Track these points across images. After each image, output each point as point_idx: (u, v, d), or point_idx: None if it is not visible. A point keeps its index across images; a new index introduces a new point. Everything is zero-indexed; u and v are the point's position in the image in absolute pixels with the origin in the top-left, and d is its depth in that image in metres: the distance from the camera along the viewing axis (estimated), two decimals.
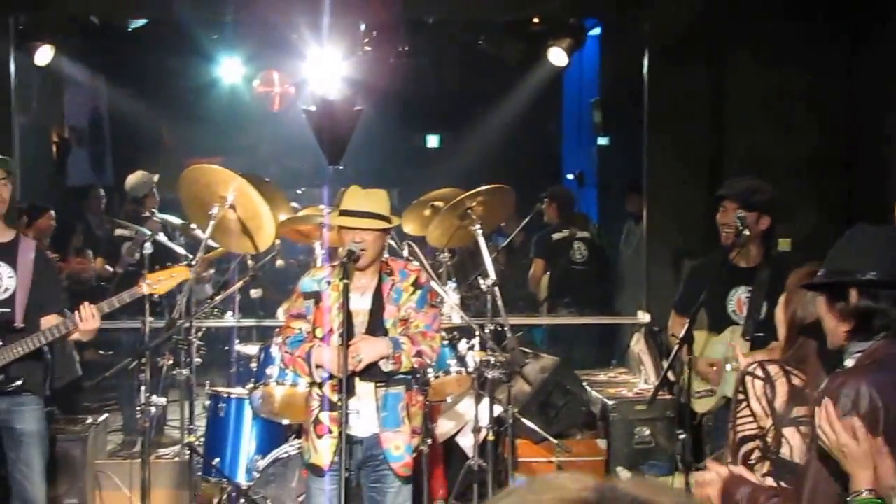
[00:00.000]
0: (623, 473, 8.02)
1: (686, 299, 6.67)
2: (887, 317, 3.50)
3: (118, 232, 9.67)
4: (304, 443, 5.81)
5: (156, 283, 6.33)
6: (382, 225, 5.66)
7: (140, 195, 10.02)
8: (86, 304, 6.23)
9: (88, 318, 6.19)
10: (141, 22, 10.19)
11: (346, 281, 5.42)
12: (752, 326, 6.12)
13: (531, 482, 1.86)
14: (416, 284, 5.76)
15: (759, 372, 4.03)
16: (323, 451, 5.64)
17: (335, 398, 5.53)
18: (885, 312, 3.50)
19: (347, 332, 5.42)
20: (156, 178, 10.14)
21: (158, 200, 10.08)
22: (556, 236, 10.67)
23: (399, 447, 5.67)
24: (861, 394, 3.32)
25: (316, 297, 5.73)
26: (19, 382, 6.24)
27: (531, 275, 10.75)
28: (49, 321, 6.38)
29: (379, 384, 5.65)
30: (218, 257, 9.16)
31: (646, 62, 9.15)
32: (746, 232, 6.11)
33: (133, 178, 10.16)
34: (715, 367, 6.40)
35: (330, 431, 5.62)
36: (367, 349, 5.49)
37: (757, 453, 3.99)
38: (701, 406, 6.60)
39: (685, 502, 1.72)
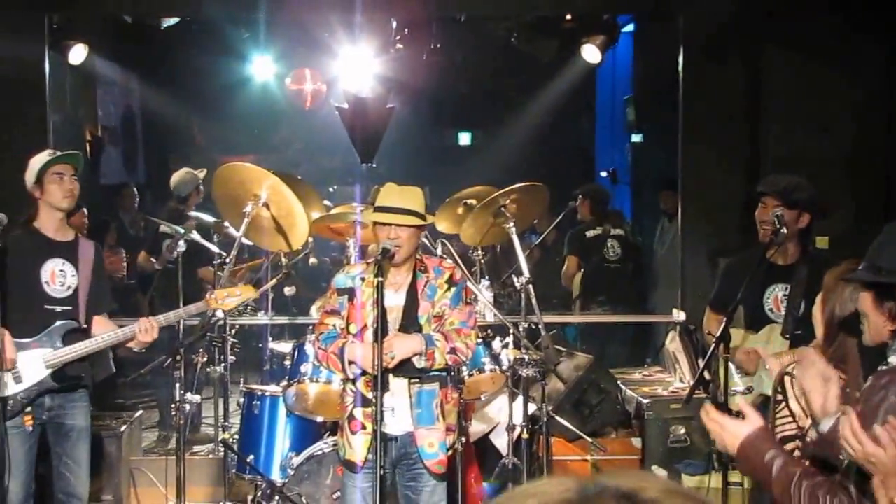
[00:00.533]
0: (658, 472, 7.97)
1: (722, 297, 6.62)
2: None
3: (162, 229, 9.70)
4: (339, 439, 5.80)
5: (222, 300, 6.33)
6: (417, 222, 5.64)
7: (184, 193, 10.07)
8: (146, 318, 6.28)
9: (147, 331, 6.22)
10: (173, 20, 10.20)
11: (380, 279, 5.41)
12: (792, 324, 6.06)
13: (510, 492, 1.83)
14: (451, 282, 5.74)
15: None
16: (357, 447, 5.63)
17: (369, 394, 5.52)
18: None
19: (381, 329, 5.41)
20: (202, 174, 10.16)
21: (202, 197, 10.10)
22: (589, 234, 10.63)
23: (433, 444, 5.65)
24: None
25: (350, 293, 5.72)
26: (75, 382, 6.29)
27: (564, 272, 10.71)
28: (99, 322, 6.45)
29: (413, 381, 5.63)
30: (256, 267, 9.20)
31: (681, 58, 9.09)
32: (784, 230, 6.05)
33: (178, 176, 10.20)
34: (751, 355, 6.31)
35: (364, 427, 5.61)
36: (400, 346, 5.48)
37: (797, 453, 3.94)
38: (735, 405, 6.54)
39: (672, 489, 1.68)
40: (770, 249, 6.18)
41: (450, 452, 5.79)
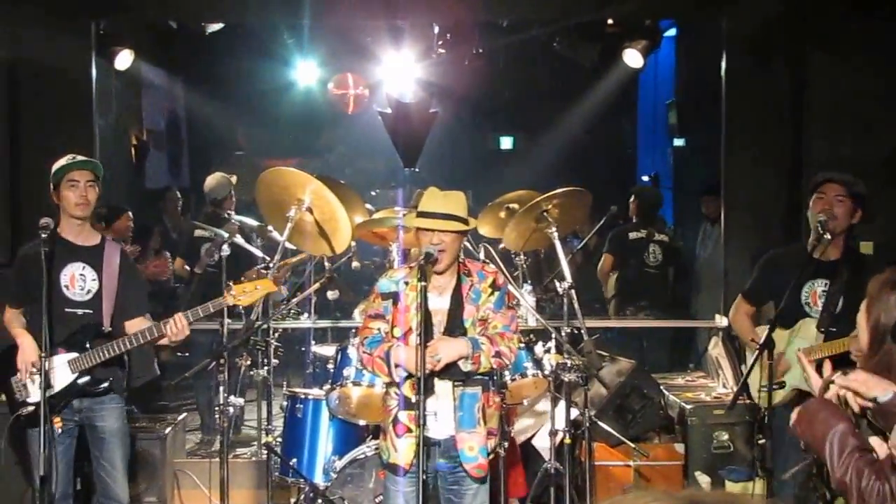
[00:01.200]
0: (701, 478, 7.95)
1: (757, 288, 6.72)
2: None
3: (197, 233, 9.76)
4: (383, 442, 5.80)
5: (241, 295, 6.34)
6: (460, 227, 5.65)
7: (219, 197, 10.12)
8: (178, 315, 6.29)
9: (179, 329, 6.26)
10: (217, 26, 10.26)
11: (423, 283, 5.43)
12: (828, 320, 6.03)
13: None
14: (495, 286, 5.74)
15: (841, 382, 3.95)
16: (402, 450, 5.63)
17: (413, 398, 5.54)
18: None
19: (425, 333, 5.42)
20: (234, 179, 10.22)
21: (234, 202, 10.16)
22: (632, 235, 10.61)
23: (473, 448, 5.65)
24: None
25: (394, 297, 5.73)
26: (105, 385, 6.33)
27: (599, 268, 10.69)
28: (133, 325, 6.48)
29: (457, 383, 5.64)
30: (299, 263, 9.22)
31: (724, 62, 9.06)
32: (828, 236, 6.03)
33: (211, 181, 10.26)
34: (780, 363, 6.32)
35: (409, 430, 5.61)
36: (446, 349, 5.49)
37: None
38: (764, 400, 6.54)
39: None
40: (816, 248, 6.16)
41: (491, 456, 5.79)
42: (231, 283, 6.45)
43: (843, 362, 5.87)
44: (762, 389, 6.45)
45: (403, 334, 5.66)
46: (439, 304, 5.68)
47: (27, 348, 6.20)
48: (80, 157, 6.44)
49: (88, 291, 6.39)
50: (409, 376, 5.59)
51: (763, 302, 6.84)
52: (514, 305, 6.11)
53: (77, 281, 6.37)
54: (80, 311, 6.35)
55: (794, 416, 3.84)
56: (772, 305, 6.70)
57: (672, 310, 10.71)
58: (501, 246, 7.93)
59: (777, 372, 6.34)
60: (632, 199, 10.71)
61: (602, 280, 10.75)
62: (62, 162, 6.36)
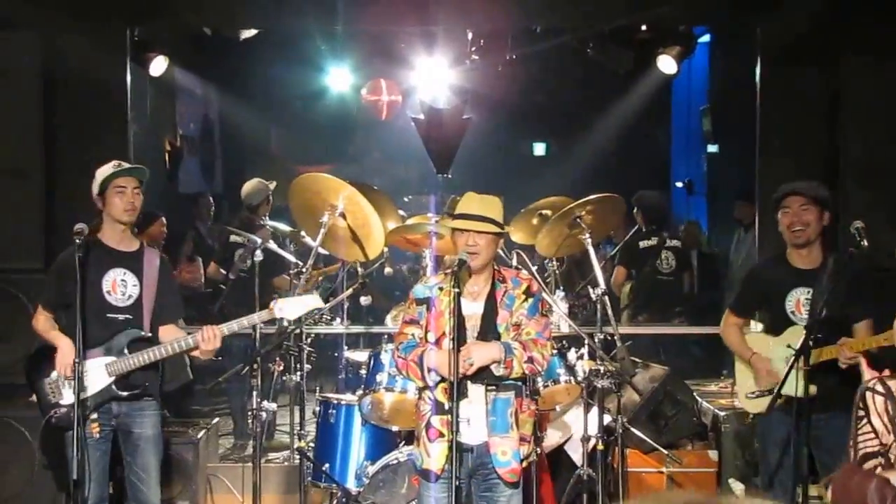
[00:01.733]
0: (735, 486, 7.91)
1: (743, 300, 6.86)
2: None
3: (232, 238, 9.79)
4: (416, 449, 5.81)
5: (287, 309, 6.37)
6: (495, 229, 5.68)
7: (255, 203, 10.16)
8: (209, 326, 6.32)
9: (210, 339, 6.28)
10: (251, 32, 10.30)
11: (456, 289, 5.43)
12: (816, 327, 6.05)
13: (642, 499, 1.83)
14: (528, 292, 5.74)
15: (880, 388, 3.93)
16: (435, 455, 5.63)
17: (446, 402, 5.54)
18: None
19: (459, 338, 5.43)
20: (272, 185, 10.26)
21: (271, 208, 10.20)
22: (642, 244, 10.53)
23: (506, 453, 5.63)
24: None
25: (427, 303, 5.74)
26: (139, 390, 6.36)
27: (612, 280, 10.60)
28: (166, 331, 6.51)
29: (490, 387, 5.63)
30: (331, 273, 9.26)
31: (758, 68, 9.01)
32: (865, 243, 6.00)
33: (249, 186, 10.30)
34: (771, 374, 6.42)
35: (441, 435, 5.61)
36: (479, 353, 5.49)
37: (879, 470, 3.89)
38: (754, 406, 6.61)
39: None
40: (859, 260, 6.16)
41: (524, 463, 5.78)
42: (277, 296, 6.47)
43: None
44: (749, 397, 6.54)
45: (437, 339, 5.66)
46: (473, 309, 5.69)
47: (66, 349, 6.22)
48: (126, 164, 6.47)
49: (129, 297, 6.43)
50: (442, 380, 5.60)
51: (750, 313, 6.94)
52: (547, 313, 6.10)
53: (118, 286, 6.41)
54: (120, 317, 6.38)
55: (829, 493, 3.83)
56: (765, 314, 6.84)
57: (697, 318, 10.63)
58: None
59: (763, 379, 6.40)
60: (634, 210, 10.62)
61: (616, 291, 10.69)
62: (109, 169, 6.39)
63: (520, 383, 5.70)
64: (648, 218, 10.60)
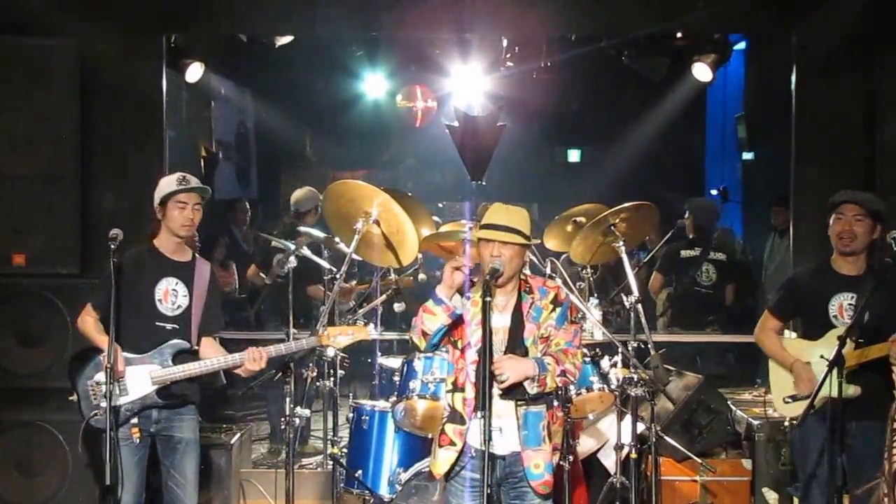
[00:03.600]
0: (769, 495, 7.86)
1: (784, 304, 6.79)
2: None
3: (274, 243, 9.83)
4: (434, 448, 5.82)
5: (334, 338, 6.42)
6: (521, 241, 5.61)
7: (304, 210, 10.21)
8: (256, 348, 6.37)
9: (256, 360, 6.34)
10: (287, 39, 10.33)
11: (488, 299, 5.39)
12: (857, 332, 6.01)
13: None
14: (556, 301, 5.69)
15: None
16: (441, 461, 5.65)
17: (466, 414, 5.56)
18: None
19: (489, 350, 5.39)
20: (322, 196, 10.32)
21: (318, 216, 10.23)
22: (683, 253, 10.45)
23: (539, 466, 5.61)
24: None
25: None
26: (180, 399, 6.42)
27: (649, 286, 10.54)
28: (207, 343, 6.56)
29: (520, 403, 5.60)
30: (365, 290, 9.29)
31: (794, 76, 8.96)
32: None
33: (300, 193, 10.37)
34: (807, 382, 6.40)
35: (452, 444, 5.60)
36: (514, 369, 5.43)
37: None
38: (790, 411, 6.55)
39: None
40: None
41: (554, 472, 5.76)
42: (325, 325, 6.51)
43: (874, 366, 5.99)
44: (785, 402, 6.52)
45: (462, 349, 5.63)
46: (500, 322, 5.64)
47: (117, 353, 6.25)
48: (191, 181, 6.50)
49: (179, 307, 6.47)
50: (460, 390, 5.60)
51: (790, 317, 6.93)
52: (577, 320, 6.07)
53: (170, 295, 6.45)
54: (168, 326, 6.43)
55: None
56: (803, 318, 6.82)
57: (731, 326, 10.55)
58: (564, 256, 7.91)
59: (804, 386, 6.36)
60: (686, 215, 10.57)
61: (652, 297, 10.63)
62: (174, 184, 6.44)
63: (551, 396, 5.67)
64: (698, 226, 10.51)
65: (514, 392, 5.54)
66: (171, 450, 6.48)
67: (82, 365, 6.42)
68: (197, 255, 6.80)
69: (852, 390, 5.90)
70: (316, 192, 10.31)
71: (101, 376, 6.27)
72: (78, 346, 6.72)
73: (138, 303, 6.31)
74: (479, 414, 5.41)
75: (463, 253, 7.45)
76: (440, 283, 5.61)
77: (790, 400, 6.46)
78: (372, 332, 8.95)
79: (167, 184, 6.45)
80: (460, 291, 5.56)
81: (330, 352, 6.79)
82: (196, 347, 6.49)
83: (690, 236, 10.51)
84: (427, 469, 6.75)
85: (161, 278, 6.44)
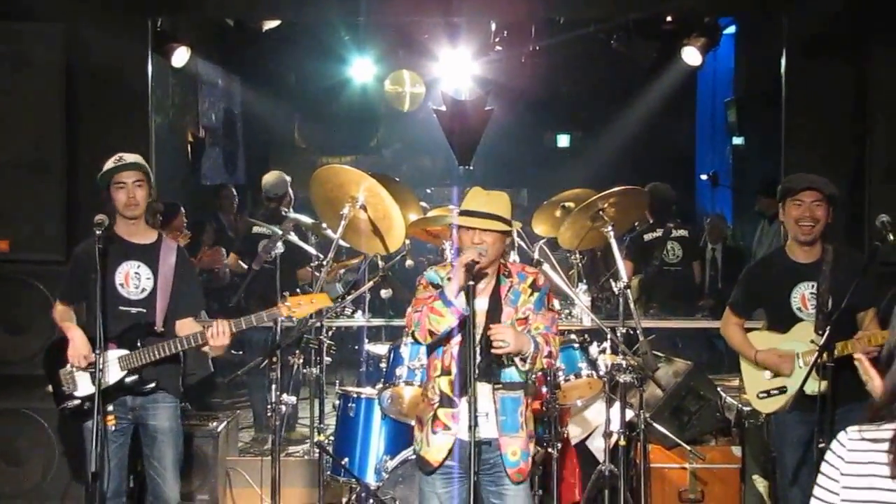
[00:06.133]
0: (759, 482, 7.84)
1: (742, 299, 6.72)
2: None
3: (255, 230, 9.77)
4: (418, 433, 5.72)
5: (295, 308, 6.32)
6: (502, 227, 5.53)
7: (278, 193, 10.15)
8: (220, 320, 6.28)
9: (219, 335, 6.23)
10: (274, 23, 10.29)
11: (471, 283, 5.33)
12: (822, 322, 5.98)
13: None
14: (534, 286, 5.63)
15: None
16: (435, 446, 5.56)
17: (451, 395, 5.50)
18: None
19: (471, 333, 5.32)
20: (289, 178, 10.26)
21: (292, 199, 10.19)
22: (647, 237, 10.40)
23: (516, 453, 5.56)
24: None
25: (440, 290, 5.63)
26: (152, 385, 6.32)
27: None
28: (184, 325, 6.46)
29: (497, 386, 5.55)
30: (353, 266, 9.23)
31: (784, 60, 8.92)
32: (892, 237, 5.92)
33: (270, 178, 10.29)
34: (785, 358, 6.36)
35: (447, 428, 5.52)
36: (514, 339, 5.34)
37: None
38: (766, 406, 6.52)
39: None
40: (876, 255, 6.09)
41: (530, 459, 5.71)
42: (286, 295, 6.43)
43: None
44: (759, 397, 6.50)
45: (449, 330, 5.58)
46: (478, 305, 5.52)
47: (78, 340, 6.22)
48: (126, 158, 6.41)
49: (143, 290, 6.39)
50: (447, 373, 5.55)
51: (750, 312, 6.87)
52: (554, 308, 6.02)
53: (132, 279, 6.36)
54: (133, 310, 6.34)
55: None
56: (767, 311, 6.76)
57: (721, 310, 10.51)
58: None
59: (782, 366, 6.37)
60: None
61: None
62: (108, 165, 6.37)
63: (528, 382, 5.64)
64: (655, 210, 10.46)
65: (490, 373, 5.49)
66: (150, 438, 6.41)
67: (55, 355, 6.39)
68: (165, 235, 6.71)
69: (823, 386, 5.85)
70: (284, 175, 10.26)
71: (69, 365, 6.27)
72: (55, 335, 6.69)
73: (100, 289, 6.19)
74: (453, 398, 5.39)
75: (450, 237, 7.41)
76: (447, 282, 5.50)
77: (764, 395, 6.44)
78: (359, 319, 8.99)
79: (105, 166, 6.38)
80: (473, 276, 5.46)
81: (294, 320, 6.69)
82: (161, 329, 6.37)
83: (651, 221, 10.45)
84: (414, 457, 6.70)
85: (121, 262, 6.35)
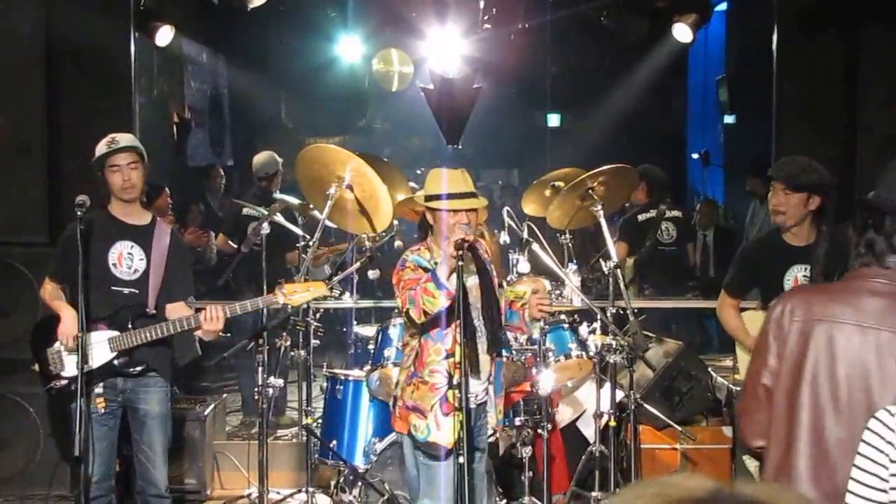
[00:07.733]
0: (749, 463, 7.77)
1: (737, 281, 6.73)
2: None
3: (245, 211, 9.68)
4: (421, 420, 5.63)
5: (291, 295, 6.26)
6: (482, 202, 5.78)
7: (269, 173, 10.06)
8: (213, 305, 6.22)
9: (212, 319, 6.16)
10: (260, 1, 10.16)
11: (461, 263, 5.28)
12: None
13: (645, 481, 1.76)
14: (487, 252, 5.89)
15: None
16: (447, 429, 5.52)
17: (456, 377, 5.43)
18: None
19: (464, 311, 5.30)
20: (280, 159, 10.19)
21: (281, 180, 10.12)
22: (641, 217, 10.35)
23: (501, 411, 5.86)
24: None
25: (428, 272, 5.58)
26: (142, 367, 6.25)
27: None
28: (174, 308, 6.40)
29: (496, 356, 5.70)
30: (339, 253, 9.16)
31: (775, 37, 8.85)
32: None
33: (260, 158, 10.20)
34: None
35: (458, 409, 5.48)
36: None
37: None
38: None
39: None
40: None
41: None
42: (283, 282, 6.37)
43: None
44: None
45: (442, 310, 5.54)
46: (471, 281, 5.57)
47: (69, 319, 6.14)
48: (120, 140, 6.33)
49: (135, 271, 6.32)
50: (452, 355, 5.48)
51: (745, 292, 6.84)
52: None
53: (125, 259, 6.31)
54: (125, 290, 6.28)
55: None
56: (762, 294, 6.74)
57: (712, 291, 10.50)
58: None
59: None
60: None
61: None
62: (103, 147, 6.29)
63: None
64: (649, 191, 10.40)
65: (497, 343, 5.65)
66: (139, 422, 6.34)
67: (43, 334, 6.31)
68: (158, 218, 6.66)
69: None
70: (275, 155, 10.19)
71: (57, 344, 6.19)
72: (43, 314, 6.61)
73: (92, 268, 6.11)
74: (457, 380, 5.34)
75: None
76: (440, 264, 5.46)
77: None
78: (347, 300, 8.91)
79: (98, 149, 6.31)
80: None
81: (289, 308, 6.63)
82: (153, 311, 6.31)
83: (645, 201, 10.39)
84: (401, 440, 6.63)
85: (115, 242, 6.29)
